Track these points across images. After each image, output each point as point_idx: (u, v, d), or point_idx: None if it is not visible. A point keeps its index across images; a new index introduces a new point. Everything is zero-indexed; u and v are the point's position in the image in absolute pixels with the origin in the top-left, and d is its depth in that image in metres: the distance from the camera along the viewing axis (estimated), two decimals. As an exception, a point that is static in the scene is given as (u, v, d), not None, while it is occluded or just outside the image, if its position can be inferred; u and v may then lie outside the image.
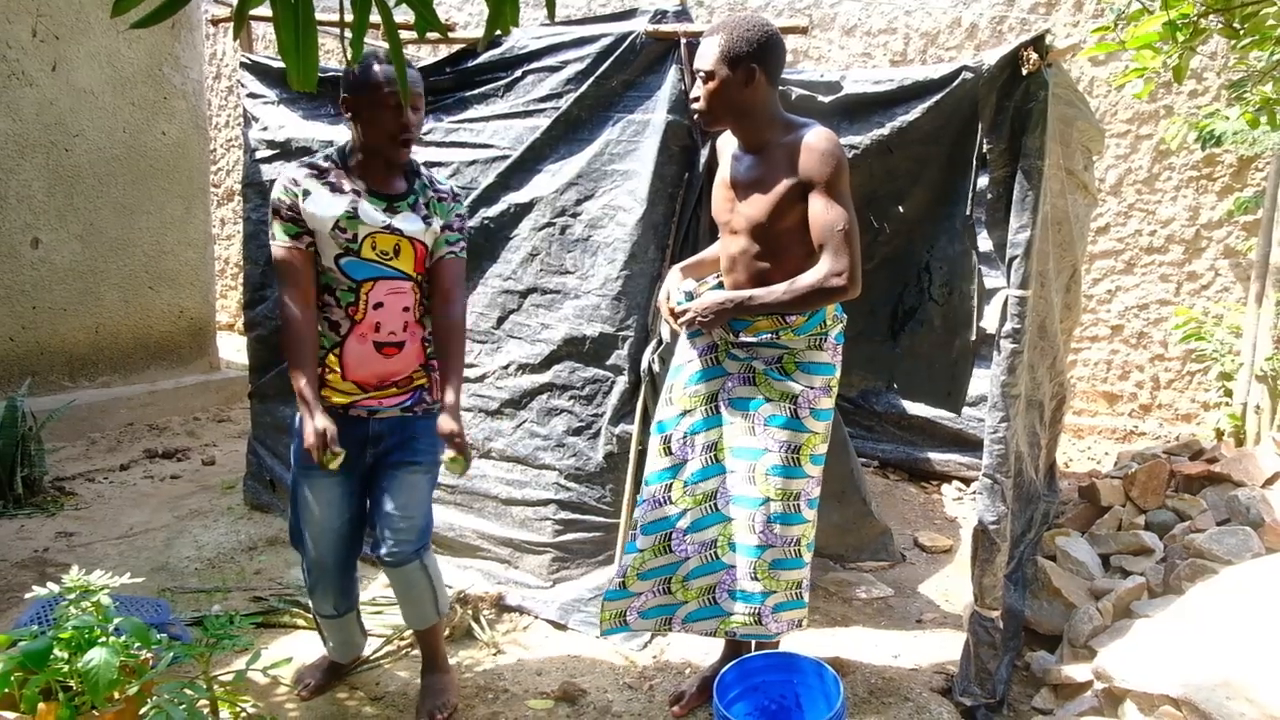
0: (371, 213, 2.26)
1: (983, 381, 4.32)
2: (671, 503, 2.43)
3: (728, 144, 2.43)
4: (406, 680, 2.67)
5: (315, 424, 2.15)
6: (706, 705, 2.53)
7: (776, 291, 2.22)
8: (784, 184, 2.22)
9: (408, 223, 2.29)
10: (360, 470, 2.40)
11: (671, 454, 2.43)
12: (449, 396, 2.29)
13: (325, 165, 2.30)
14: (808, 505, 2.35)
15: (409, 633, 2.82)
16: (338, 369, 2.31)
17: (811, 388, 2.32)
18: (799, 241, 2.25)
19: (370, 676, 2.69)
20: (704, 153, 2.94)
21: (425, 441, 2.40)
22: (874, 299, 3.21)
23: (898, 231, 3.59)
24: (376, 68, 2.21)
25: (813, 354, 2.33)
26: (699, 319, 2.32)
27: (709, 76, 2.22)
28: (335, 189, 2.26)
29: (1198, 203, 5.08)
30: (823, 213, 2.18)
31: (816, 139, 2.19)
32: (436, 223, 2.34)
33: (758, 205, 2.27)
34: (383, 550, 2.38)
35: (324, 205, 2.24)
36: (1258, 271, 4.52)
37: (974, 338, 2.68)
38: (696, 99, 2.27)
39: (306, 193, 2.24)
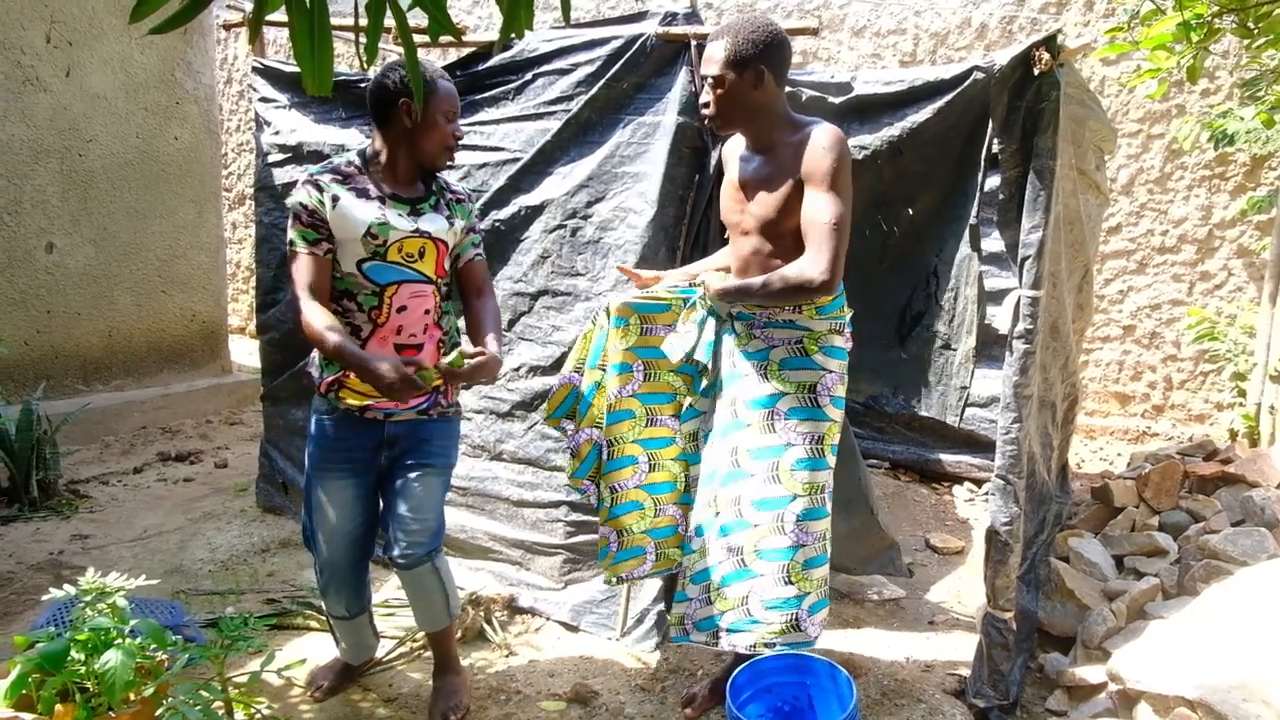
0: (398, 219, 2.28)
1: (995, 382, 4.31)
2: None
3: (735, 147, 2.44)
4: (419, 682, 2.67)
5: (385, 367, 2.07)
6: (719, 707, 2.52)
7: (756, 283, 2.24)
8: (790, 182, 2.23)
9: (433, 224, 2.32)
10: (374, 473, 2.41)
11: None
12: (489, 345, 2.30)
13: (349, 170, 2.30)
14: (829, 497, 2.36)
15: (421, 635, 2.82)
16: None
17: (830, 372, 2.32)
18: (799, 246, 2.26)
19: (383, 678, 2.70)
20: (715, 154, 2.94)
21: (439, 444, 2.41)
22: (883, 303, 3.18)
23: (907, 234, 3.56)
24: (441, 81, 2.26)
25: (833, 338, 2.35)
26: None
27: (718, 82, 2.22)
28: (362, 194, 2.27)
29: (1210, 202, 5.05)
30: (810, 207, 2.19)
31: (821, 135, 2.20)
32: (459, 224, 2.39)
33: (766, 204, 2.28)
34: (395, 552, 2.39)
35: (356, 211, 2.23)
36: (1271, 271, 4.49)
37: (974, 344, 2.65)
38: (707, 104, 2.28)
39: (335, 199, 2.23)
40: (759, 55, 2.19)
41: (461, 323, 2.58)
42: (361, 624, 2.58)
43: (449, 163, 2.36)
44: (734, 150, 2.44)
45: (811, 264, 2.16)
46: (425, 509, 2.38)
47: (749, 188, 2.34)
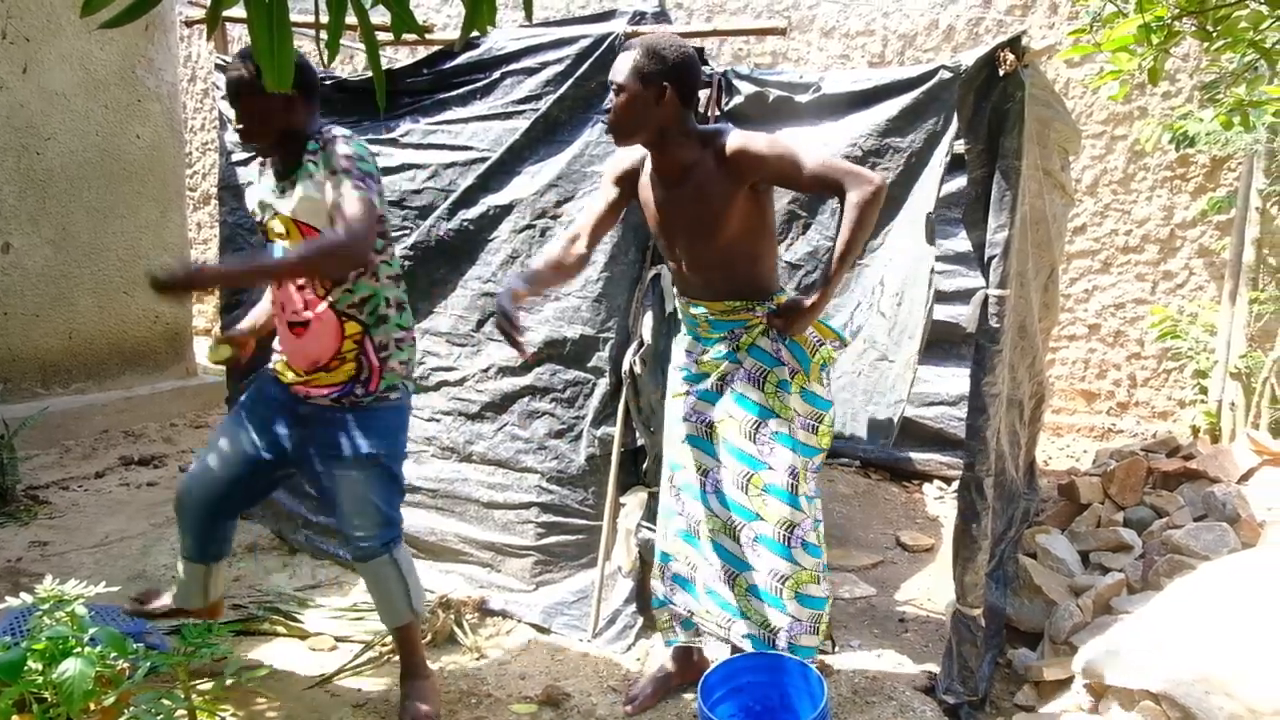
0: (265, 194, 2.39)
1: (962, 381, 4.34)
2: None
3: (636, 162, 2.42)
4: (388, 687, 2.64)
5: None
6: (663, 704, 2.57)
7: (842, 243, 2.21)
8: (719, 194, 2.23)
9: (284, 201, 2.34)
10: (276, 445, 2.40)
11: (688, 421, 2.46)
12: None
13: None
14: (802, 546, 2.33)
15: (389, 639, 2.80)
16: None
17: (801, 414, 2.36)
18: (744, 247, 2.30)
19: (352, 684, 2.67)
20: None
21: (353, 436, 2.35)
22: (827, 320, 3.05)
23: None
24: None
25: (814, 385, 2.36)
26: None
27: (619, 90, 2.23)
28: (265, 178, 2.42)
29: (1172, 203, 5.14)
30: (806, 171, 2.20)
31: (743, 142, 2.20)
32: (305, 187, 2.26)
33: (699, 226, 2.28)
34: (349, 550, 2.40)
35: (250, 197, 2.49)
36: (1231, 270, 4.58)
37: (917, 348, 2.55)
38: (608, 110, 2.28)
39: (250, 185, 2.51)
40: (663, 72, 2.19)
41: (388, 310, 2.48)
42: (199, 573, 2.55)
43: (252, 145, 2.40)
44: (644, 167, 2.40)
45: (859, 180, 2.18)
46: (362, 504, 2.35)
47: (669, 209, 2.33)
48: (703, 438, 2.41)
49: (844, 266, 2.25)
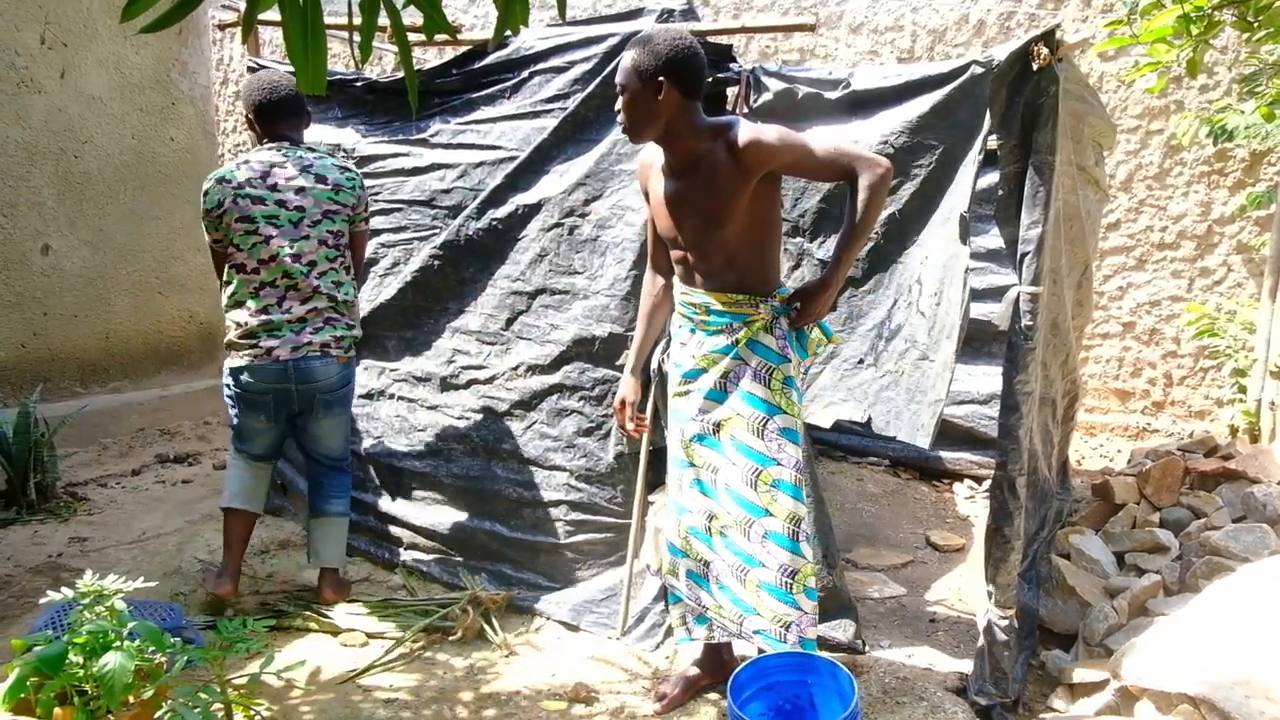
0: None
1: (995, 379, 4.29)
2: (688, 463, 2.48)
3: (654, 159, 2.43)
4: (419, 682, 2.67)
5: None
6: (692, 702, 2.57)
7: (852, 225, 2.24)
8: (728, 185, 2.23)
9: None
10: None
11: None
12: None
13: None
14: (805, 540, 2.34)
15: (421, 635, 2.84)
16: None
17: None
18: (751, 238, 2.30)
19: (384, 680, 2.69)
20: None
21: None
22: (859, 319, 2.99)
23: (892, 238, 3.37)
24: None
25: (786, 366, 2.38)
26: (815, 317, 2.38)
27: (622, 89, 2.26)
28: None
29: (1209, 198, 5.04)
30: (817, 158, 2.23)
31: (755, 134, 2.20)
32: None
33: (706, 214, 2.29)
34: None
35: None
36: (1271, 266, 4.48)
37: (954, 348, 2.51)
38: (618, 111, 2.30)
39: None
40: (660, 67, 2.20)
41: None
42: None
43: None
44: (654, 161, 2.43)
45: (868, 166, 2.22)
46: None
47: (681, 202, 2.34)
48: (711, 435, 2.41)
49: (854, 247, 2.29)
